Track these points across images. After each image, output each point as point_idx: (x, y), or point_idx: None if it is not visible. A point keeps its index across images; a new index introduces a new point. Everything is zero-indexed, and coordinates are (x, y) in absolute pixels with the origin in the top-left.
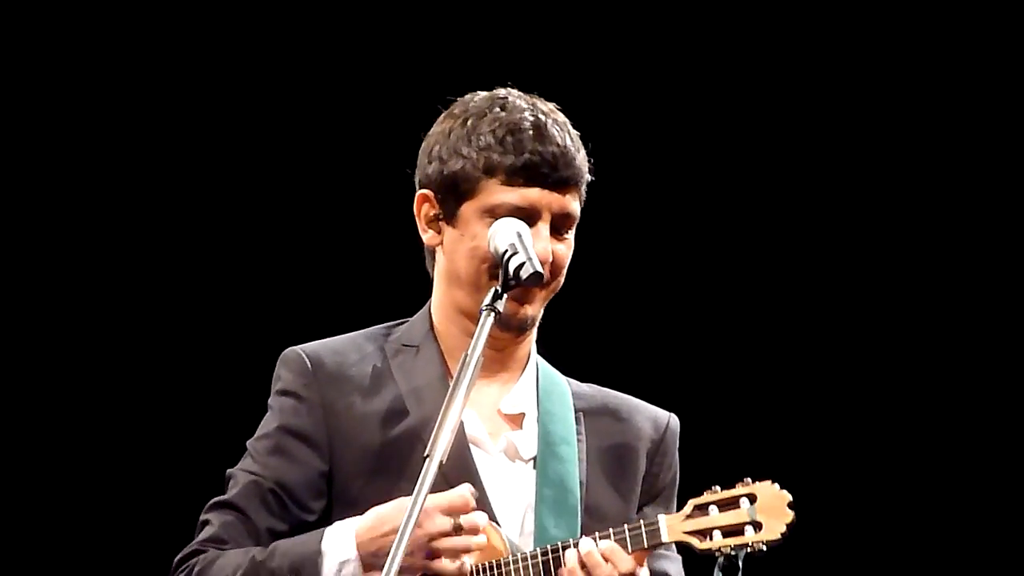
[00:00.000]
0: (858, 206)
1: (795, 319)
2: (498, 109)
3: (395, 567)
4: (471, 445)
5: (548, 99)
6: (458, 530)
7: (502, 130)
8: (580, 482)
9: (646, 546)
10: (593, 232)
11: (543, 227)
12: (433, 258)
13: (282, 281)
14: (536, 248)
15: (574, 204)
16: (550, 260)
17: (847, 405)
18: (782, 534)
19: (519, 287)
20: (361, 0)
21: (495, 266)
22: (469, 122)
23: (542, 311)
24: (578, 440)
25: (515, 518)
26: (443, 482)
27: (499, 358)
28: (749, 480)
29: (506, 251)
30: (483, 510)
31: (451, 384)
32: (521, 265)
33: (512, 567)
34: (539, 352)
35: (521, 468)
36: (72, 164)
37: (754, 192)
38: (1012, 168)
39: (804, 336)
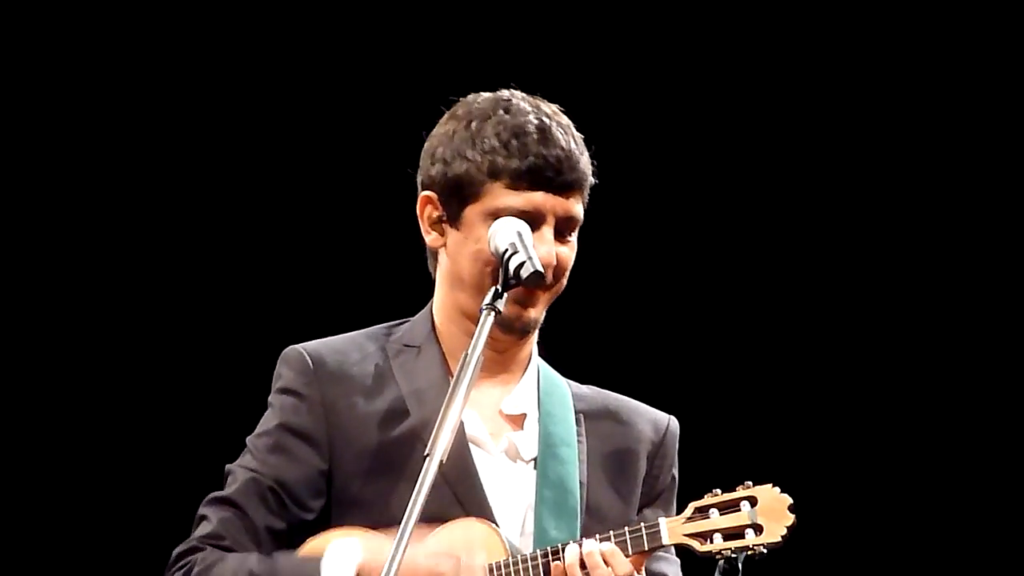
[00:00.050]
0: (856, 209)
1: (794, 322)
2: (502, 112)
3: (395, 567)
4: (471, 445)
5: (545, 98)
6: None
7: (507, 133)
8: (580, 483)
9: (646, 548)
10: (593, 234)
11: (547, 231)
12: (435, 259)
13: (283, 279)
14: (540, 252)
15: (578, 207)
16: (554, 264)
17: (847, 408)
18: (783, 537)
19: (520, 287)
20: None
21: (498, 269)
22: (473, 124)
23: (544, 313)
24: (578, 442)
25: (515, 519)
26: (443, 482)
27: (500, 359)
28: (750, 483)
29: (506, 250)
30: (483, 510)
31: (451, 386)
32: (521, 264)
33: (512, 569)
34: (539, 354)
35: (522, 469)
36: (72, 164)
37: (753, 195)
38: (1012, 168)
39: (804, 339)
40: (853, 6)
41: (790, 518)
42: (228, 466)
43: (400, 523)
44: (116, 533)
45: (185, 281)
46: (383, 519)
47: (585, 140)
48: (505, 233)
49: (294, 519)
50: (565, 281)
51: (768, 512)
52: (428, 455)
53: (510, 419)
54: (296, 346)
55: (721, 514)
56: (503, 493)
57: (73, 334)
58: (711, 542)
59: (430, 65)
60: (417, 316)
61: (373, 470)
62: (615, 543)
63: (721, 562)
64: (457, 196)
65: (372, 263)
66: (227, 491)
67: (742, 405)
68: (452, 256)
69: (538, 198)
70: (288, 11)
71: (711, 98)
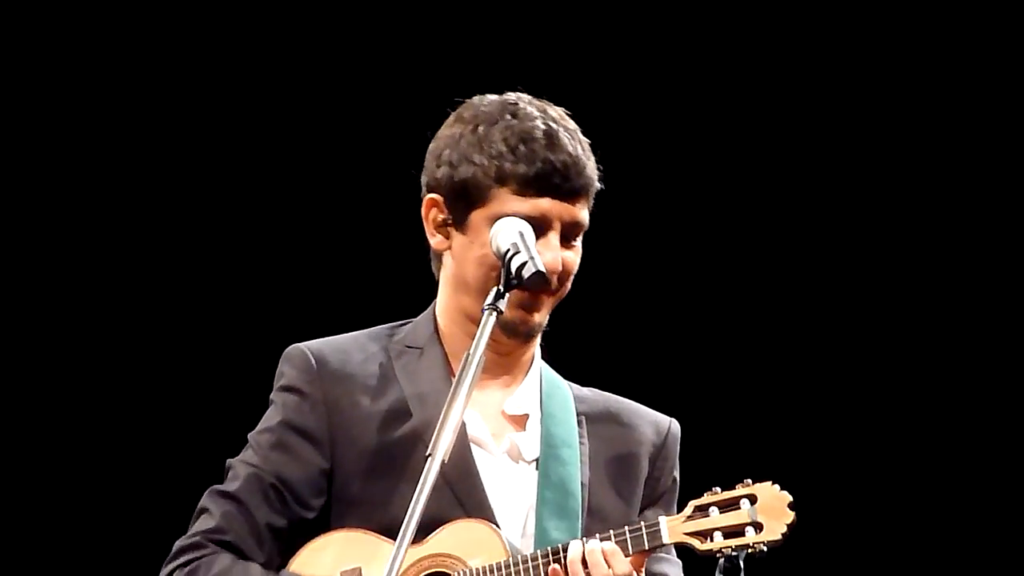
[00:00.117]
0: (855, 212)
1: (794, 322)
2: (509, 116)
3: (396, 567)
4: (473, 445)
5: (544, 98)
6: None
7: (514, 138)
8: (582, 484)
9: (647, 547)
10: (594, 237)
11: (553, 236)
12: (439, 261)
13: (286, 278)
14: (546, 258)
15: (583, 213)
16: (559, 269)
17: (846, 406)
18: (783, 535)
19: (525, 292)
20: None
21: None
22: (480, 128)
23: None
24: (580, 443)
25: (516, 520)
26: (444, 483)
27: (503, 362)
28: (749, 481)
29: (508, 251)
30: (483, 511)
31: (452, 386)
32: (523, 265)
33: (512, 569)
34: (541, 356)
35: (523, 469)
36: (74, 165)
37: (752, 198)
38: (1012, 168)
39: (803, 338)
40: (853, 7)
41: (790, 515)
42: (229, 460)
43: (400, 523)
44: (118, 525)
45: (188, 279)
46: (384, 519)
47: (590, 144)
48: (507, 233)
49: (295, 517)
50: (569, 285)
51: (768, 510)
52: (430, 455)
53: (512, 420)
54: (299, 344)
55: (721, 512)
56: (504, 494)
57: (76, 332)
58: (711, 540)
59: (434, 65)
60: (420, 317)
61: (374, 470)
62: (615, 542)
63: (722, 560)
64: (463, 200)
65: (375, 263)
66: (229, 486)
67: (742, 404)
68: (457, 260)
69: (545, 204)
70: (292, 12)
71: (712, 103)
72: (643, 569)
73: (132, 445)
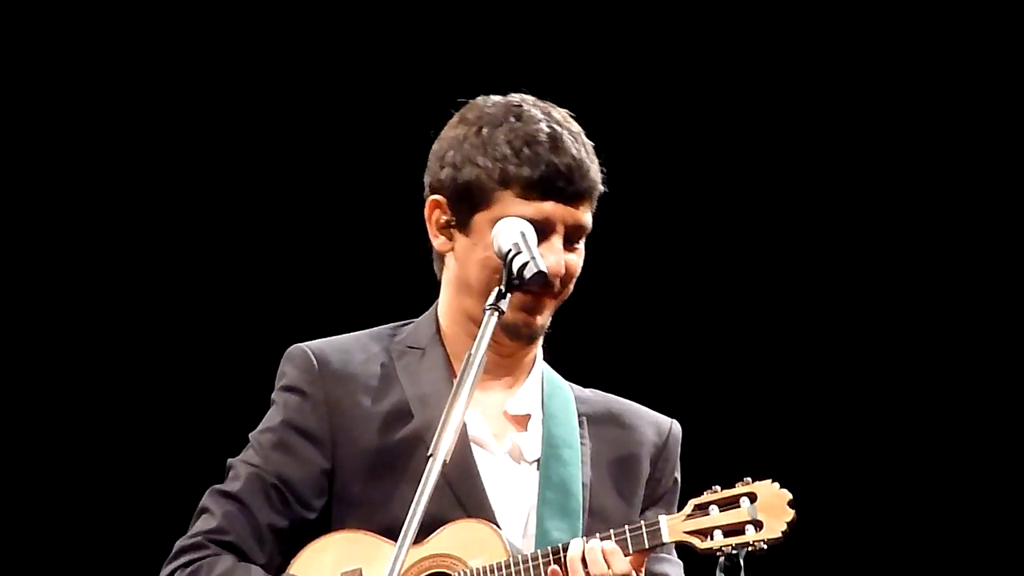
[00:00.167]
0: (854, 212)
1: (793, 322)
2: (513, 118)
3: (398, 567)
4: (473, 446)
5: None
6: None
7: (518, 141)
8: (583, 485)
9: (647, 546)
10: (596, 238)
11: (556, 240)
12: (442, 262)
13: (288, 278)
14: (549, 261)
15: (587, 216)
16: (562, 273)
17: (846, 404)
18: (783, 532)
19: (527, 291)
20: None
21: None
22: (484, 130)
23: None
24: (581, 444)
25: (517, 520)
26: (444, 483)
27: (505, 363)
28: (749, 479)
29: (509, 250)
30: (484, 511)
31: (454, 386)
32: (525, 265)
33: (513, 569)
34: (543, 357)
35: (524, 470)
36: (74, 165)
37: (753, 200)
38: (1012, 168)
39: (803, 337)
40: (854, 8)
41: (790, 513)
42: (230, 460)
43: (401, 523)
44: (119, 525)
45: (190, 279)
46: (384, 519)
47: (594, 147)
48: (509, 233)
49: (296, 517)
50: (572, 287)
51: (768, 508)
52: (431, 456)
53: (514, 420)
54: (301, 344)
55: (721, 511)
56: (505, 494)
57: (79, 332)
58: (711, 539)
59: (436, 66)
60: (422, 318)
61: (375, 470)
62: (616, 541)
63: (722, 559)
64: (467, 202)
65: (377, 263)
66: (230, 486)
67: (742, 402)
68: (460, 261)
69: (548, 208)
70: (295, 11)
71: (714, 104)
72: (643, 569)
73: (134, 445)
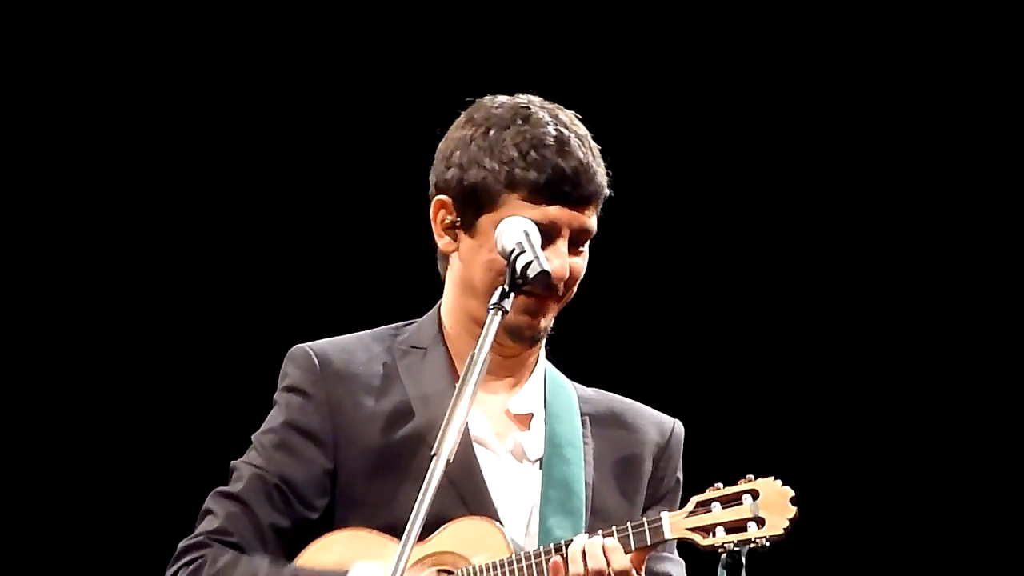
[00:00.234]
0: (855, 211)
1: (795, 321)
2: (520, 121)
3: (402, 566)
4: (476, 445)
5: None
6: None
7: (525, 144)
8: (586, 484)
9: (649, 543)
10: (599, 238)
11: (561, 244)
12: (446, 262)
13: (290, 278)
14: (553, 265)
15: (592, 220)
16: (566, 276)
17: (848, 402)
18: (785, 530)
19: (530, 294)
20: None
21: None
22: (491, 132)
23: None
24: (584, 443)
25: (520, 519)
26: (447, 482)
27: (507, 363)
28: (751, 477)
29: (513, 250)
30: (487, 510)
31: (457, 385)
32: (528, 264)
33: (515, 566)
34: (546, 357)
35: (527, 469)
36: (75, 166)
37: (755, 201)
38: (1012, 168)
39: (805, 335)
40: (855, 9)
41: (792, 511)
42: (233, 462)
43: (404, 523)
44: (123, 527)
45: (192, 280)
46: (387, 519)
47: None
48: (512, 233)
49: (298, 517)
50: (575, 290)
51: (770, 505)
52: (434, 455)
53: (517, 419)
54: (303, 345)
55: (723, 508)
56: (508, 493)
57: (81, 333)
58: (713, 536)
59: (440, 65)
60: (424, 318)
61: (377, 470)
62: (618, 537)
63: (724, 556)
64: (472, 204)
65: (379, 262)
66: (233, 487)
67: (744, 400)
68: (465, 262)
69: (554, 212)
70: (298, 10)
71: (715, 103)
72: (643, 567)
73: (137, 447)
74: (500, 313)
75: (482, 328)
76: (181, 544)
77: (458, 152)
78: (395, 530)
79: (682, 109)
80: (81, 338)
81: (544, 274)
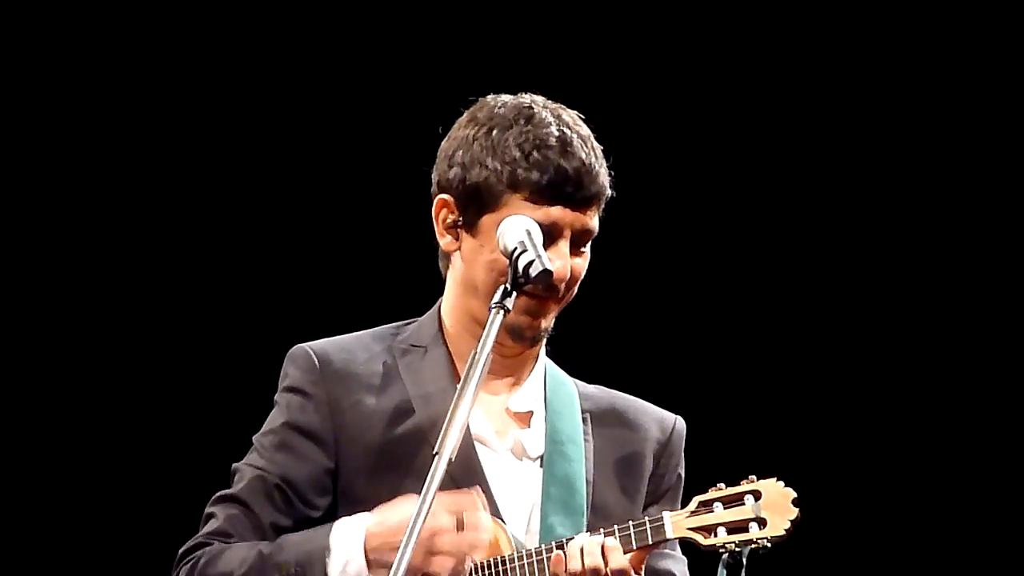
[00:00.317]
0: (857, 209)
1: (798, 320)
2: (523, 121)
3: (403, 566)
4: (476, 443)
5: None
6: (461, 527)
7: (528, 145)
8: (587, 481)
9: (650, 542)
10: (600, 236)
11: (563, 244)
12: (447, 261)
13: (290, 278)
14: (555, 266)
15: (594, 220)
16: (568, 277)
17: (850, 402)
18: (786, 531)
19: (531, 295)
20: None
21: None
22: (494, 132)
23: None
24: (585, 440)
25: (521, 516)
26: (449, 481)
27: (508, 362)
28: (754, 477)
29: (515, 249)
30: (488, 508)
31: (459, 384)
32: (530, 263)
33: (516, 564)
34: (547, 354)
35: (528, 466)
36: (75, 166)
37: (756, 200)
38: (1012, 168)
39: (807, 335)
40: (855, 9)
41: (794, 512)
42: (235, 464)
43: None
44: (125, 532)
45: (193, 280)
46: None
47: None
48: (514, 231)
49: (300, 517)
50: (575, 290)
51: (772, 506)
52: (436, 453)
53: (517, 417)
54: (303, 345)
55: (725, 508)
56: (509, 491)
57: (80, 335)
58: (715, 536)
59: (442, 63)
60: (424, 317)
61: (378, 468)
62: (619, 536)
63: (725, 556)
64: (475, 203)
65: (379, 262)
66: (234, 489)
67: (746, 400)
68: (466, 262)
69: (556, 212)
70: (302, 8)
71: (716, 102)
72: (643, 567)
73: (138, 449)
74: (502, 312)
75: (483, 327)
76: (182, 548)
77: (461, 151)
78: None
79: (684, 110)
80: (81, 339)
81: (546, 273)
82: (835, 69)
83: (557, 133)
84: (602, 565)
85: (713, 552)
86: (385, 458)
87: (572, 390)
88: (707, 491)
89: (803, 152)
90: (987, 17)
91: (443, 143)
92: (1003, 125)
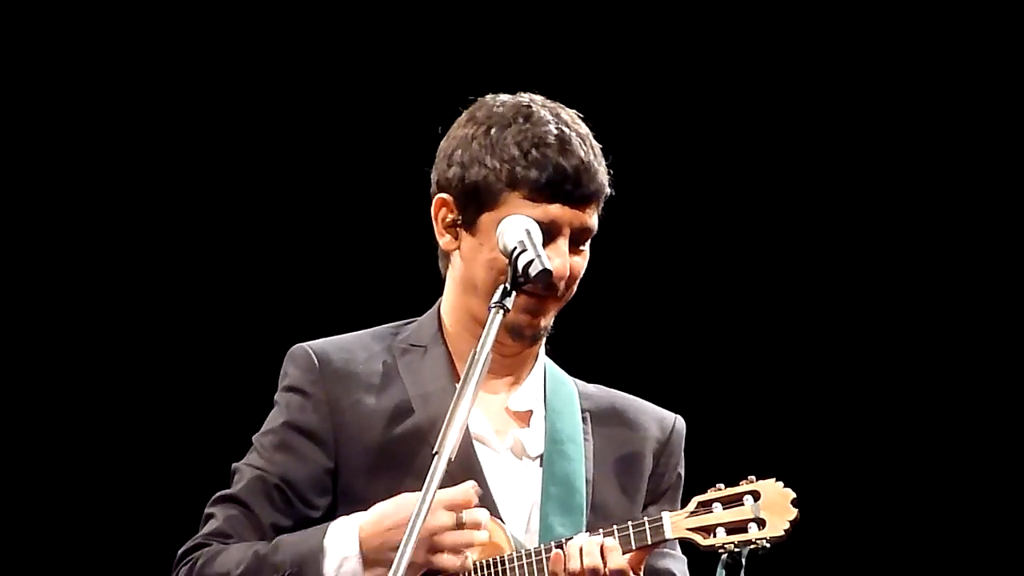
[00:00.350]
0: (857, 208)
1: (798, 320)
2: (522, 119)
3: (403, 565)
4: (476, 442)
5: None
6: (460, 526)
7: (527, 143)
8: (586, 481)
9: (650, 543)
10: (600, 234)
11: (562, 242)
12: (447, 260)
13: (290, 278)
14: (554, 264)
15: (593, 219)
16: (567, 275)
17: (850, 403)
18: (785, 531)
19: (531, 293)
20: None
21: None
22: (493, 131)
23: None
24: (585, 439)
25: (520, 515)
26: (448, 480)
27: (507, 361)
28: (753, 477)
29: (515, 248)
30: (487, 507)
31: (459, 384)
32: (530, 263)
33: (516, 563)
34: (546, 353)
35: (527, 466)
36: (75, 165)
37: (756, 198)
38: (1012, 168)
39: (807, 335)
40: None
41: (793, 512)
42: (235, 464)
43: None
44: (124, 533)
45: (192, 280)
46: None
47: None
48: (514, 231)
49: (300, 517)
50: (575, 289)
51: (771, 506)
52: (436, 453)
53: (516, 416)
54: (302, 344)
55: (724, 508)
56: (508, 490)
57: (79, 335)
58: (714, 536)
59: (442, 63)
60: (424, 316)
61: (378, 468)
62: (618, 537)
63: (724, 556)
64: (474, 202)
65: (379, 262)
66: (233, 489)
67: (746, 401)
68: (466, 261)
69: (555, 210)
70: (301, 7)
71: (716, 102)
72: (642, 567)
73: (138, 449)
74: (502, 312)
75: (483, 327)
76: (181, 549)
77: (459, 150)
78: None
79: (683, 108)
80: (82, 339)
81: (546, 272)
82: (834, 67)
83: (556, 131)
84: (601, 565)
85: (712, 552)
86: (385, 458)
87: (572, 389)
88: (706, 491)
89: (803, 151)
90: (987, 17)
91: (442, 143)
92: (1003, 125)
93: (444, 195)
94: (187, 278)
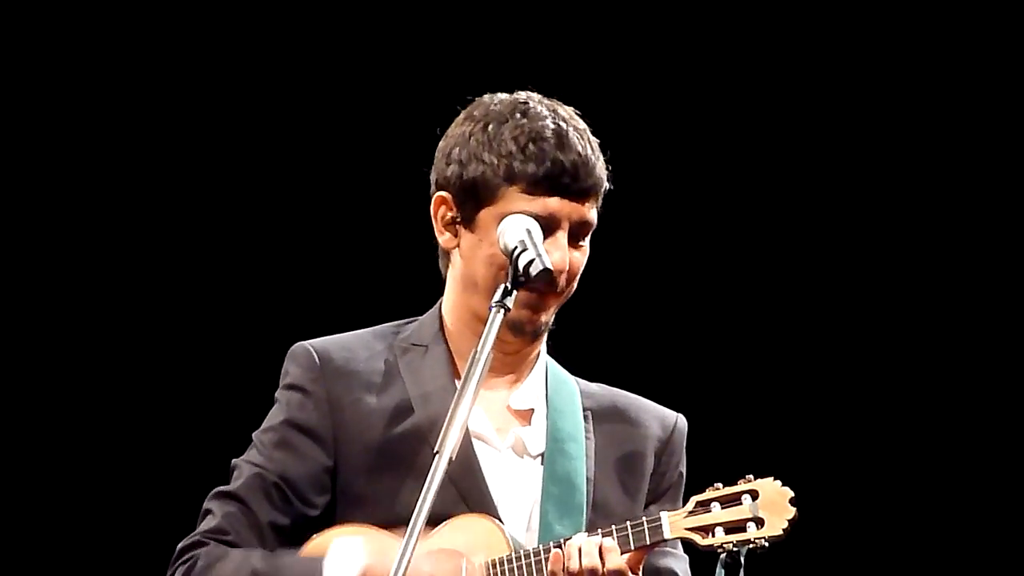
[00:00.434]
0: (858, 208)
1: (797, 319)
2: (519, 115)
3: (404, 563)
4: (476, 441)
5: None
6: None
7: (524, 138)
8: (587, 479)
9: (648, 542)
10: (600, 233)
11: (561, 236)
12: (447, 259)
13: (291, 276)
14: (553, 258)
15: (592, 213)
16: (566, 268)
17: (849, 402)
18: (784, 530)
19: (531, 289)
20: None
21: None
22: (490, 127)
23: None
24: (586, 438)
25: (520, 514)
26: (447, 479)
27: (509, 359)
28: (751, 476)
29: (515, 247)
30: (487, 506)
31: (460, 383)
32: (530, 262)
33: (515, 564)
34: (548, 352)
35: (528, 464)
36: (75, 165)
37: (756, 195)
38: (1012, 168)
39: (807, 335)
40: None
41: (791, 511)
42: (234, 461)
43: (404, 520)
44: (124, 528)
45: (193, 278)
46: (388, 516)
47: (599, 144)
48: (514, 230)
49: (298, 515)
50: (575, 284)
51: (770, 505)
52: (437, 452)
53: (518, 414)
54: (304, 343)
55: (723, 508)
56: (509, 489)
57: (80, 332)
58: (713, 536)
59: (442, 62)
60: (425, 315)
61: (378, 467)
62: (617, 537)
63: (723, 556)
64: (473, 198)
65: (379, 261)
66: (232, 486)
67: (745, 400)
68: (466, 258)
69: (554, 204)
70: (299, 8)
71: (718, 100)
72: (641, 567)
73: (139, 446)
74: (502, 311)
75: (484, 325)
76: (179, 546)
77: (457, 148)
78: (395, 526)
79: (682, 104)
80: (82, 338)
81: (546, 272)
82: (834, 66)
83: (553, 126)
84: (599, 565)
85: (711, 552)
86: (385, 457)
87: (573, 388)
88: (705, 491)
89: (803, 150)
90: (987, 17)
91: (440, 142)
92: (1003, 125)
93: (443, 193)
94: (188, 277)
